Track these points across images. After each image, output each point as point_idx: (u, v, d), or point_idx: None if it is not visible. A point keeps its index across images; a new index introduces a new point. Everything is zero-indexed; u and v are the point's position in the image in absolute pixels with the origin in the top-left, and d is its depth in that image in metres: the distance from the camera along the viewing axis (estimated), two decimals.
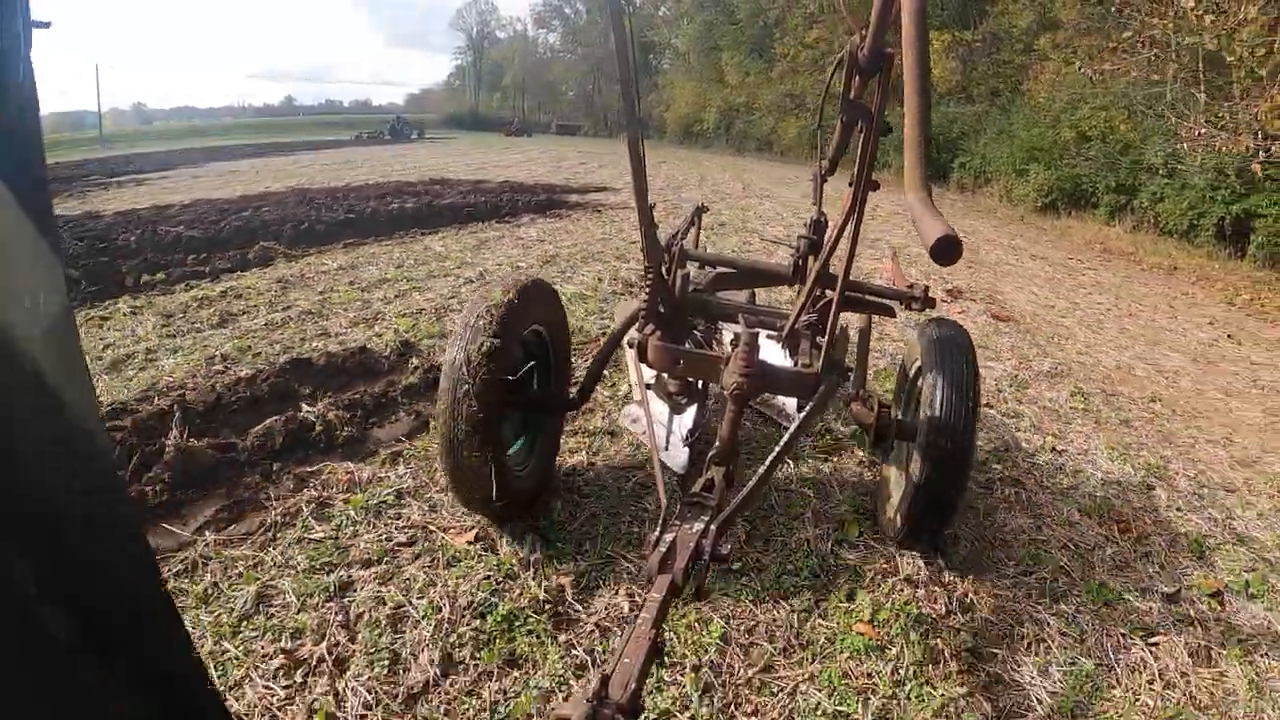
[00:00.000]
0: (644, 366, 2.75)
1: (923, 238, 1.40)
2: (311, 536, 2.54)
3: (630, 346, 2.74)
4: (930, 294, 3.08)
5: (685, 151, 36.37)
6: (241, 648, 2.03)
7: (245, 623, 2.13)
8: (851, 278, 2.70)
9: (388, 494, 2.83)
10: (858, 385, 2.87)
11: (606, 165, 21.37)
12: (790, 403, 3.54)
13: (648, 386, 2.85)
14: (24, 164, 0.70)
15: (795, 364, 2.90)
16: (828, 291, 2.81)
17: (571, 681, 2.02)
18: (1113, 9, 13.88)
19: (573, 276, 6.60)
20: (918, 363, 2.77)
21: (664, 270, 2.85)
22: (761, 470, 2.21)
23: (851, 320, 3.30)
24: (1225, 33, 10.21)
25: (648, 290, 2.69)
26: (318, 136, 37.23)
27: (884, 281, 3.71)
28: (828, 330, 2.51)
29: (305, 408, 3.38)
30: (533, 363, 2.77)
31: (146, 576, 0.77)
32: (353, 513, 2.68)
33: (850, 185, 2.18)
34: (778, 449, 2.29)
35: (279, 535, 2.55)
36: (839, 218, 2.31)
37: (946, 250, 1.39)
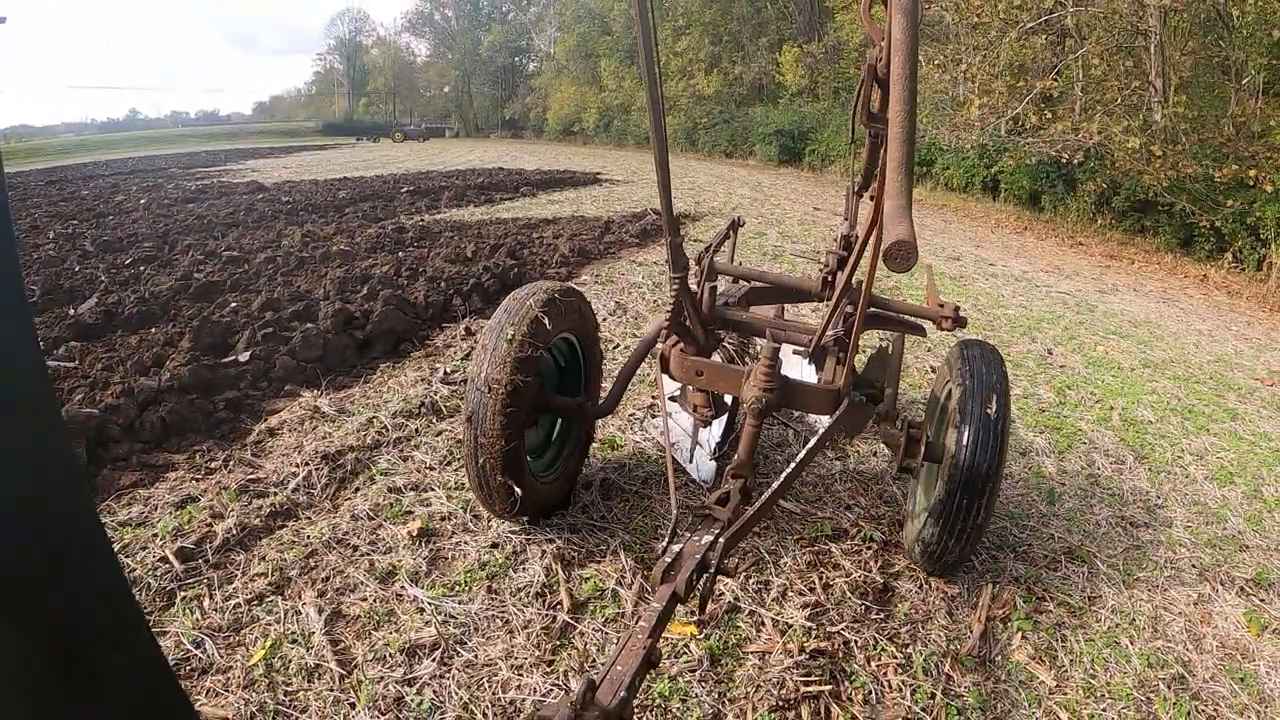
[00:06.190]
0: (668, 378, 2.88)
1: (883, 238, 1.39)
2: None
3: (655, 358, 2.86)
4: (962, 314, 3.16)
5: (575, 148, 42.38)
6: None
7: None
8: (887, 296, 2.96)
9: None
10: (888, 404, 2.88)
11: (559, 160, 27.92)
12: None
13: (673, 398, 2.97)
14: None
15: (819, 380, 2.89)
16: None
17: None
18: None
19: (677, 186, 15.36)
20: (948, 383, 2.81)
21: (693, 283, 2.89)
22: (775, 485, 2.25)
23: (891, 340, 3.47)
24: (954, 78, 19.95)
25: (673, 301, 2.70)
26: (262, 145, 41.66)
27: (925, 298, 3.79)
28: (850, 346, 2.59)
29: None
30: (562, 370, 3.03)
31: (113, 579, 0.77)
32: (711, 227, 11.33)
33: (872, 199, 2.15)
34: (793, 465, 2.34)
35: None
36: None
37: (899, 254, 1.36)
